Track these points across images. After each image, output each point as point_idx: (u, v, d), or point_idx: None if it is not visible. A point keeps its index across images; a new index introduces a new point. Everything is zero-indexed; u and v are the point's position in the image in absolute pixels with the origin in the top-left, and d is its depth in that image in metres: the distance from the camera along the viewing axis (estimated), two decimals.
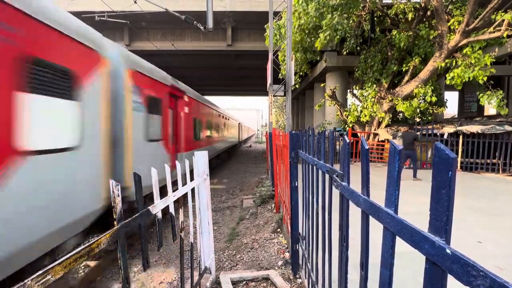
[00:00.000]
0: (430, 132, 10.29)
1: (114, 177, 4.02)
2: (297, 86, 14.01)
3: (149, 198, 4.88)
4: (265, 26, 11.07)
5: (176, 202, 2.11)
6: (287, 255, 3.69)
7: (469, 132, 9.58)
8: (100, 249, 1.15)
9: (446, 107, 13.00)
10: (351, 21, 10.84)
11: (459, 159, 9.66)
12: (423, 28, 10.39)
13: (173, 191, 2.07)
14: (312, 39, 11.43)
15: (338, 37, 10.54)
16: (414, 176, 7.80)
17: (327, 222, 1.85)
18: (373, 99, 11.62)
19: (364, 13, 11.45)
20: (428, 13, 10.98)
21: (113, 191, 1.29)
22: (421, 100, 10.74)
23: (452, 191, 0.69)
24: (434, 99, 10.03)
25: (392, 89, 11.59)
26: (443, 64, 9.44)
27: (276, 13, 11.43)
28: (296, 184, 3.08)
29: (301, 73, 13.58)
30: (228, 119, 18.72)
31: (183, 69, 21.48)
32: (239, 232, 5.19)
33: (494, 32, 8.52)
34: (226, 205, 7.51)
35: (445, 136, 10.04)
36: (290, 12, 8.61)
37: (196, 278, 2.52)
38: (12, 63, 2.40)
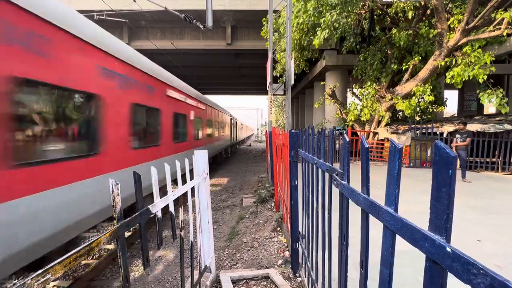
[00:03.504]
0: (430, 130, 10.29)
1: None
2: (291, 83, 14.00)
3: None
4: (263, 20, 11.05)
5: (176, 201, 2.11)
6: (287, 253, 3.70)
7: None
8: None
9: (446, 106, 13.00)
10: (349, 20, 10.81)
11: None
12: (423, 27, 10.37)
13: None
14: (311, 37, 11.41)
15: (337, 35, 10.51)
16: (463, 176, 7.64)
17: (327, 221, 1.85)
18: (373, 97, 11.62)
19: (364, 11, 11.42)
20: (428, 11, 10.96)
21: (113, 190, 1.29)
22: (420, 99, 10.73)
23: (452, 189, 0.69)
24: (431, 98, 10.01)
25: (392, 88, 11.59)
26: (443, 63, 9.42)
27: (275, 12, 11.40)
28: (296, 183, 3.08)
29: (296, 72, 13.52)
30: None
31: (182, 68, 21.45)
32: (239, 231, 5.20)
33: (494, 30, 8.50)
34: (226, 204, 7.51)
35: (444, 135, 10.04)
36: (289, 11, 8.59)
37: (196, 277, 2.52)
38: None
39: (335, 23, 9.54)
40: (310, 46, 12.26)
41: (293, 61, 12.52)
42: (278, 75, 11.88)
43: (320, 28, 9.93)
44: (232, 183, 10.41)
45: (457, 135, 7.70)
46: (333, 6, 9.43)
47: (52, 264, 0.92)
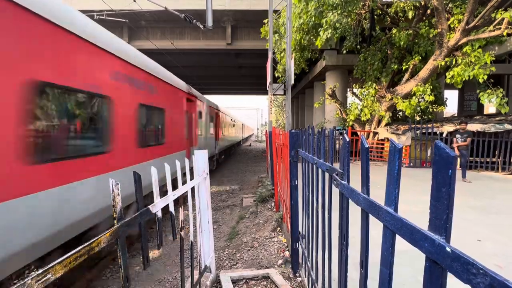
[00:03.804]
0: (430, 130, 10.29)
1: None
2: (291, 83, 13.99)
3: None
4: (264, 21, 11.07)
5: (176, 201, 2.11)
6: (287, 253, 3.70)
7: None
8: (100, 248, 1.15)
9: (446, 105, 13.00)
10: (349, 20, 10.82)
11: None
12: (423, 27, 10.37)
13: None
14: (312, 38, 11.41)
15: (337, 35, 10.51)
16: (463, 176, 7.61)
17: (327, 220, 1.85)
18: (373, 97, 11.63)
19: (364, 11, 11.43)
20: (428, 11, 10.95)
21: (113, 190, 1.29)
22: (420, 99, 10.73)
23: (452, 189, 0.69)
24: (431, 98, 10.01)
25: (392, 88, 11.59)
26: (443, 63, 9.42)
27: (275, 12, 11.40)
28: (296, 183, 3.08)
29: (296, 72, 13.51)
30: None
31: (182, 68, 21.45)
32: (239, 231, 5.20)
33: (494, 30, 8.50)
34: (226, 204, 7.51)
35: (444, 135, 10.03)
36: (289, 11, 8.58)
37: (196, 276, 2.52)
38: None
39: (336, 23, 9.55)
40: (310, 46, 12.25)
41: (293, 61, 12.53)
42: (280, 75, 11.89)
43: (322, 29, 9.93)
44: (232, 183, 10.41)
45: (457, 135, 7.69)
46: (334, 6, 9.44)
47: (52, 264, 0.92)
